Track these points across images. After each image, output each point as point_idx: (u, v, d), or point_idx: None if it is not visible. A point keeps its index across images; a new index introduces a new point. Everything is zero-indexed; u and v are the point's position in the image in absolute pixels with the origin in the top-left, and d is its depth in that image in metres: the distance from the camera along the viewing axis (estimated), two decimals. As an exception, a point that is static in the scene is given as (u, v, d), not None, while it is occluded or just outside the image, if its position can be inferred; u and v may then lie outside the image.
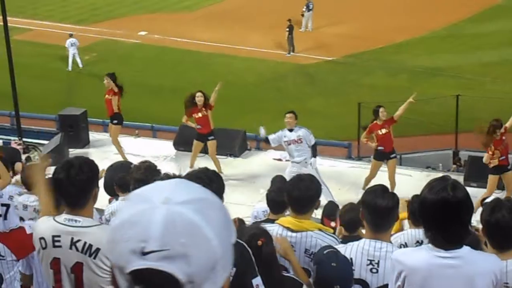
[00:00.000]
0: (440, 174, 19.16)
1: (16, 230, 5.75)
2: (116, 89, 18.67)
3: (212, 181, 4.92)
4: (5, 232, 6.34)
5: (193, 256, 1.84)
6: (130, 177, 6.67)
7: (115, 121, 19.10)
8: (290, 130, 16.17)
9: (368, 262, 5.43)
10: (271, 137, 16.52)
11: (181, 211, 1.87)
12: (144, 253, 1.84)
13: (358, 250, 5.46)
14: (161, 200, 1.89)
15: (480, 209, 5.39)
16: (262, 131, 16.87)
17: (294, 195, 6.12)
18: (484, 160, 15.73)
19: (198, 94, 17.77)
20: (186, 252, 1.84)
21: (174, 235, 1.84)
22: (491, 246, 4.88)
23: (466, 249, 4.27)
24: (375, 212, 5.43)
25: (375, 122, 16.71)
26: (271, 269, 5.04)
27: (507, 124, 15.70)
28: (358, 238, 7.52)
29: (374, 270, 5.42)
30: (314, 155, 16.42)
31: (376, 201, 5.41)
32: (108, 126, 22.26)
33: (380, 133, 16.67)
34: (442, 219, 4.20)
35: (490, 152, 15.49)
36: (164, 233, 1.84)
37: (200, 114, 17.76)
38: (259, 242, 5.04)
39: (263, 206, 10.31)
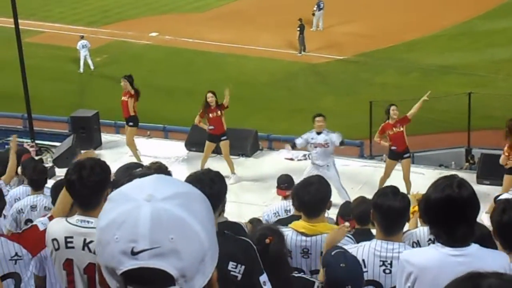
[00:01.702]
0: (453, 172, 19.14)
1: (29, 229, 5.78)
2: (132, 92, 18.71)
3: (214, 183, 4.91)
4: (18, 233, 6.39)
5: (183, 250, 1.85)
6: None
7: (130, 123, 19.14)
8: (318, 133, 16.05)
9: (381, 263, 5.40)
10: (298, 141, 16.43)
11: (166, 207, 1.87)
12: (135, 253, 1.84)
13: (370, 251, 5.43)
14: (144, 197, 1.89)
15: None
16: (288, 147, 16.99)
17: (305, 200, 6.10)
18: (500, 161, 15.59)
19: (209, 94, 17.74)
20: (176, 247, 1.85)
21: (162, 232, 1.85)
22: (501, 247, 4.84)
23: (475, 246, 4.25)
24: (385, 215, 5.40)
25: (387, 121, 16.63)
26: (278, 269, 5.03)
27: None
28: (369, 231, 7.53)
29: (387, 271, 5.39)
30: (343, 143, 16.38)
31: (387, 203, 5.38)
32: (120, 128, 22.37)
33: (392, 132, 16.59)
34: (447, 217, 4.18)
35: (506, 154, 15.33)
36: (153, 231, 1.84)
37: (213, 114, 17.73)
38: (267, 240, 5.04)
39: (273, 208, 10.34)
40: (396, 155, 16.86)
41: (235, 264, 4.68)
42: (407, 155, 16.91)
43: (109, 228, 1.89)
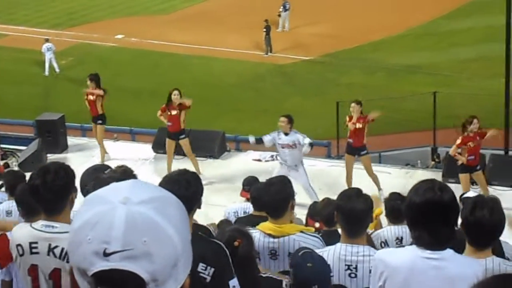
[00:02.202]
0: (419, 171, 19.33)
1: None
2: (101, 92, 18.70)
3: (190, 184, 4.89)
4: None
5: (155, 254, 1.85)
6: (106, 182, 6.61)
7: (99, 121, 19.11)
8: (286, 134, 16.03)
9: (346, 267, 5.41)
10: (265, 138, 16.34)
11: (141, 210, 1.87)
12: (107, 254, 1.84)
13: (335, 256, 5.43)
14: (120, 200, 1.89)
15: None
16: (252, 139, 16.84)
17: (264, 200, 6.11)
18: (450, 151, 15.74)
19: (175, 92, 17.79)
20: (148, 250, 1.84)
21: (136, 235, 1.84)
22: (469, 244, 4.88)
23: (450, 251, 4.27)
24: (348, 216, 5.41)
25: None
26: (246, 270, 5.02)
27: (488, 133, 15.59)
28: (337, 233, 7.56)
29: (352, 275, 5.41)
30: (311, 146, 16.21)
31: (350, 205, 5.39)
32: (87, 131, 22.23)
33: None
34: (429, 219, 4.20)
35: (456, 145, 15.46)
36: (126, 233, 1.84)
37: (173, 112, 17.74)
38: (236, 243, 5.04)
39: (233, 207, 10.37)
40: (352, 150, 16.88)
41: (204, 266, 4.67)
42: (364, 151, 16.89)
43: (82, 228, 1.89)
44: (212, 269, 4.68)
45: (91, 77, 19.01)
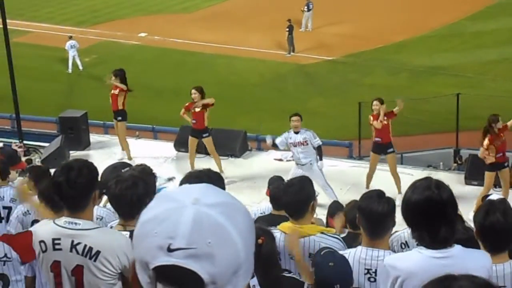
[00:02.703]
0: (441, 173, 19.22)
1: (23, 233, 5.76)
2: (124, 87, 18.67)
3: (212, 180, 4.91)
4: (12, 234, 6.37)
5: (218, 256, 1.86)
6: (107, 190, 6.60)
7: (119, 118, 19.02)
8: (296, 133, 16.13)
9: (366, 271, 5.39)
10: (277, 140, 16.49)
11: (210, 212, 1.90)
12: (171, 250, 1.86)
13: (355, 259, 5.41)
14: (190, 200, 1.92)
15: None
16: (269, 140, 16.90)
17: (284, 201, 6.09)
18: (479, 154, 15.65)
19: (193, 90, 17.82)
20: (211, 252, 1.86)
21: (201, 235, 1.86)
22: (484, 249, 4.86)
23: (458, 247, 4.27)
24: (370, 218, 5.39)
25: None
26: (269, 269, 5.02)
27: (509, 123, 15.58)
28: (360, 236, 7.52)
29: (372, 279, 5.38)
30: (320, 157, 16.41)
31: (372, 207, 5.36)
32: (109, 128, 22.30)
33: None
34: (429, 218, 4.20)
35: (485, 146, 15.39)
36: (192, 231, 1.86)
37: (197, 109, 17.76)
38: (260, 241, 5.03)
39: (260, 207, 10.34)
40: (379, 148, 16.86)
41: None
42: (391, 149, 16.88)
43: (150, 222, 1.92)
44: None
45: (115, 73, 18.95)
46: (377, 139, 16.82)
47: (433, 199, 4.17)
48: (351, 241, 6.28)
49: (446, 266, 4.15)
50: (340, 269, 4.98)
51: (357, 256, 5.40)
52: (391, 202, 5.50)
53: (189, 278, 1.85)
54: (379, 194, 5.54)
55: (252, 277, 4.72)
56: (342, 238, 6.52)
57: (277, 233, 6.04)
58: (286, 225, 6.13)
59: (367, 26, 40.71)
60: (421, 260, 4.26)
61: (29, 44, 39.43)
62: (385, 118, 16.57)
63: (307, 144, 16.10)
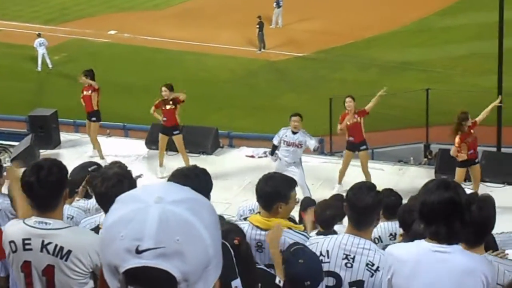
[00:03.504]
0: (412, 168, 19.37)
1: None
2: (96, 86, 18.64)
3: (199, 179, 4.98)
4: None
5: (188, 254, 1.85)
6: (103, 175, 6.68)
7: (93, 119, 19.00)
8: (294, 133, 16.08)
9: (344, 256, 5.45)
10: (275, 140, 16.52)
11: (175, 210, 1.88)
12: (139, 252, 1.84)
13: (336, 244, 5.47)
14: (153, 199, 1.90)
15: None
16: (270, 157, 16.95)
17: (259, 191, 6.10)
18: (451, 153, 15.78)
19: (163, 88, 17.77)
20: (181, 249, 1.84)
21: (169, 233, 1.84)
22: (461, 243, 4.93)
23: (458, 246, 4.37)
24: (356, 209, 5.45)
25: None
26: (249, 266, 5.03)
27: (477, 118, 15.72)
28: (334, 232, 7.57)
29: (348, 265, 5.43)
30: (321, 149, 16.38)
31: (358, 197, 5.43)
32: (80, 126, 22.19)
33: (349, 123, 16.70)
34: (448, 215, 4.33)
35: (457, 145, 15.51)
36: (159, 231, 1.84)
37: (167, 107, 17.72)
38: (236, 241, 5.02)
39: (249, 204, 10.30)
40: (352, 146, 17.01)
41: None
42: (364, 147, 17.02)
43: (115, 225, 1.89)
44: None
45: (85, 73, 18.92)
46: (350, 138, 16.93)
47: (454, 199, 4.32)
48: None
49: (443, 261, 4.25)
50: (310, 266, 5.00)
51: (338, 241, 5.47)
52: (379, 195, 5.57)
53: (161, 278, 1.83)
54: (369, 186, 5.61)
55: (235, 278, 4.74)
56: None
57: (245, 224, 6.07)
58: (255, 217, 6.15)
59: (337, 22, 40.84)
60: (418, 250, 4.38)
61: (-3, 43, 39.08)
62: (357, 116, 16.67)
63: (301, 147, 16.09)
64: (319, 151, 16.42)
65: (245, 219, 6.60)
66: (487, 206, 5.00)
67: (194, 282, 1.87)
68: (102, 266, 1.94)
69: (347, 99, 16.85)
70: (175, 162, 16.71)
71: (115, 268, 1.87)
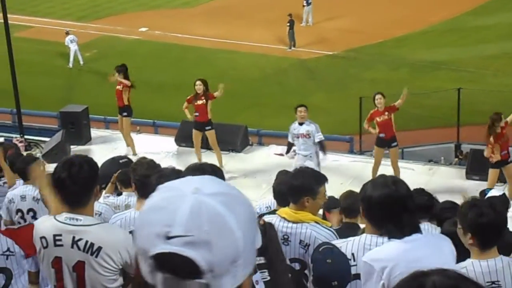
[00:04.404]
0: (442, 168, 19.23)
1: (25, 227, 5.78)
2: (128, 83, 18.72)
3: (215, 172, 5.02)
4: (14, 228, 6.40)
5: (215, 244, 1.87)
6: (135, 173, 6.77)
7: (124, 113, 19.10)
8: (301, 124, 16.20)
9: None
10: (289, 138, 16.67)
11: (209, 201, 1.92)
12: (169, 238, 1.88)
13: (360, 245, 5.44)
14: (190, 190, 1.94)
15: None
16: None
17: (293, 185, 6.12)
18: (485, 154, 15.68)
19: (198, 82, 17.82)
20: (209, 240, 1.87)
21: (199, 223, 1.88)
22: (470, 245, 4.98)
23: (419, 234, 4.54)
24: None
25: (376, 109, 16.64)
26: (277, 246, 5.08)
27: (508, 119, 15.62)
28: (357, 225, 7.57)
29: None
30: (324, 151, 16.47)
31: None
32: (110, 123, 22.32)
33: (380, 119, 16.74)
34: (392, 212, 4.54)
35: (490, 146, 15.42)
36: (190, 219, 1.88)
37: (199, 102, 17.75)
38: (261, 222, 5.08)
39: (265, 202, 10.32)
40: (383, 143, 16.96)
41: None
42: (395, 143, 16.98)
43: (150, 211, 1.95)
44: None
45: (118, 69, 19.02)
46: (381, 135, 16.89)
47: (392, 195, 4.53)
48: (346, 231, 6.33)
49: (418, 248, 4.37)
50: (338, 266, 5.00)
51: (362, 242, 5.45)
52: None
53: (186, 265, 1.86)
54: (395, 180, 5.64)
55: (255, 272, 4.75)
56: (336, 229, 6.67)
57: (273, 217, 6.10)
58: (283, 210, 6.19)
59: (368, 20, 40.68)
60: (397, 247, 4.48)
61: (30, 39, 39.40)
62: (387, 113, 16.63)
63: (309, 137, 16.20)
64: (323, 147, 16.41)
65: (273, 212, 6.62)
66: (498, 207, 5.01)
67: (221, 274, 1.89)
68: (136, 250, 1.99)
69: (377, 96, 16.82)
70: (206, 159, 16.75)
71: (145, 252, 1.92)
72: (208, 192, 1.93)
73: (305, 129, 16.19)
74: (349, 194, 8.21)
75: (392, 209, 4.54)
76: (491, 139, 15.34)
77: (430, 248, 4.40)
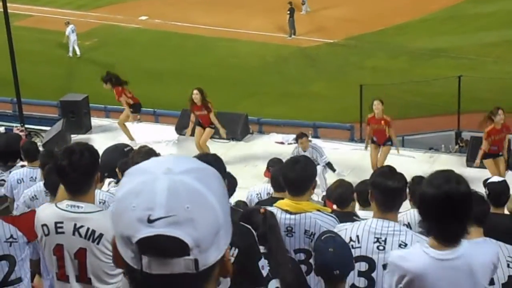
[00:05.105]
0: (442, 155, 19.25)
1: (27, 213, 5.80)
2: (120, 88, 18.74)
3: (217, 162, 5.09)
4: (16, 216, 6.42)
5: (198, 220, 1.89)
6: (132, 161, 6.77)
7: (130, 110, 19.27)
8: (304, 151, 16.17)
9: (375, 239, 5.45)
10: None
11: (184, 179, 1.93)
12: (151, 221, 1.88)
13: (365, 229, 5.49)
14: (162, 171, 1.94)
15: None
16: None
17: (289, 177, 6.15)
18: (484, 148, 15.87)
19: (194, 91, 17.60)
20: (191, 217, 1.89)
21: (179, 202, 1.89)
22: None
23: (464, 244, 4.20)
24: (384, 193, 5.46)
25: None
26: (277, 235, 5.10)
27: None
28: (350, 214, 7.60)
29: (381, 247, 5.43)
30: (332, 170, 16.46)
31: (386, 182, 5.44)
32: (111, 112, 22.33)
33: (375, 127, 16.74)
34: (443, 213, 4.14)
35: (484, 136, 15.61)
36: (169, 199, 1.89)
37: (200, 113, 17.69)
38: (262, 210, 5.10)
39: (256, 189, 10.38)
40: (377, 143, 17.07)
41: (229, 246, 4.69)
42: (389, 143, 17.06)
43: (126, 197, 1.93)
44: (236, 250, 4.70)
45: (104, 79, 19.01)
46: (374, 137, 17.00)
47: (450, 194, 4.10)
48: (340, 219, 6.34)
49: (454, 269, 4.16)
50: (340, 255, 5.01)
51: (368, 226, 5.50)
52: (403, 178, 5.59)
53: (173, 245, 1.87)
54: (392, 170, 5.64)
55: (260, 258, 4.78)
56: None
57: (273, 209, 6.11)
58: (283, 202, 6.20)
59: (367, 8, 40.60)
60: (428, 262, 4.22)
61: (30, 28, 39.37)
62: (383, 124, 16.71)
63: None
64: (331, 167, 16.47)
65: (271, 203, 6.63)
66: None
67: (206, 247, 1.91)
68: (115, 238, 1.98)
69: (375, 102, 16.80)
70: (212, 149, 16.75)
71: (128, 238, 1.92)
72: (180, 170, 1.94)
73: (309, 155, 16.11)
74: (339, 184, 8.25)
75: (442, 210, 4.13)
76: (487, 129, 15.48)
77: (463, 272, 4.19)
